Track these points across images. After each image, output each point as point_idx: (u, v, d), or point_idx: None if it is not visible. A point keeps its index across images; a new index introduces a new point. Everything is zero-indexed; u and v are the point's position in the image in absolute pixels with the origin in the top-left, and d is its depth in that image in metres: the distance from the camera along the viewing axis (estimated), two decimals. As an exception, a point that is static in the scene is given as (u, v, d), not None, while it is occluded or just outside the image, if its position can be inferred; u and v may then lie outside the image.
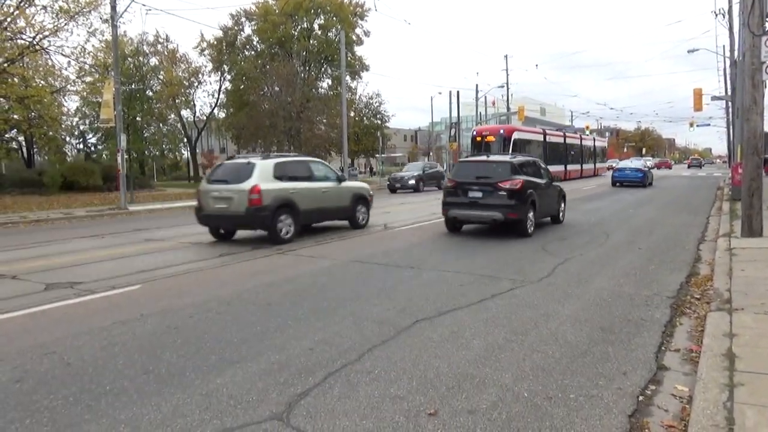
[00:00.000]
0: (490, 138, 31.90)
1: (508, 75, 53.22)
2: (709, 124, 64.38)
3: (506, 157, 12.92)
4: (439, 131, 77.74)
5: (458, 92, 52.82)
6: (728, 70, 30.89)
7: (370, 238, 11.87)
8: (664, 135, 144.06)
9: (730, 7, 25.44)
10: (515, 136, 32.31)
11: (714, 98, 34.99)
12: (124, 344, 4.93)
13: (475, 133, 34.43)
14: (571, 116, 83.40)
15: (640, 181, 29.98)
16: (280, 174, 11.23)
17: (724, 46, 43.86)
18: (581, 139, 45.18)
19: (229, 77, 49.15)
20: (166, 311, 5.99)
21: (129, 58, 41.80)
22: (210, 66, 48.53)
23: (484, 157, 13.78)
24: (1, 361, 4.54)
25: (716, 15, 27.58)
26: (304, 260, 9.22)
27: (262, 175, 10.81)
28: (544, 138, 37.77)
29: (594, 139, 50.39)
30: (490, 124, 49.24)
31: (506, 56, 53.29)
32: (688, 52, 34.87)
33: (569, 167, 40.40)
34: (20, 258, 10.01)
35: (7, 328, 5.59)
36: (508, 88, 53.05)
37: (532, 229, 11.51)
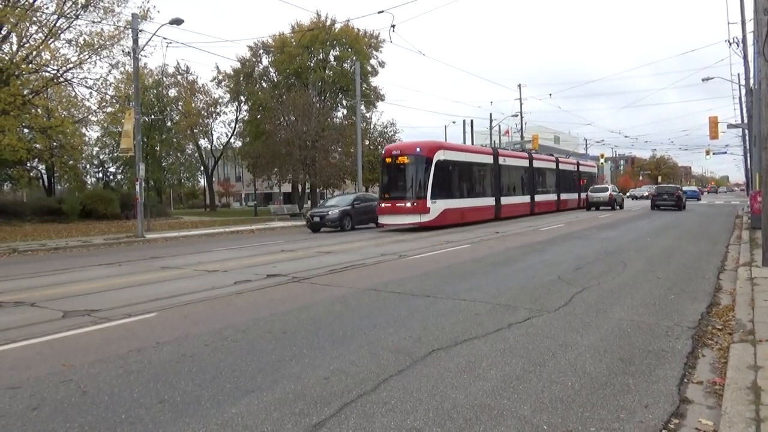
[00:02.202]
0: (403, 159, 23.06)
1: (521, 104, 53.49)
2: (725, 152, 63.99)
3: None
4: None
5: (472, 121, 53.13)
6: (744, 98, 30.79)
7: (384, 267, 11.85)
8: (680, 163, 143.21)
9: (744, 36, 25.46)
10: (439, 156, 23.28)
11: (730, 126, 34.87)
12: (140, 372, 4.94)
13: (384, 153, 25.22)
14: (586, 144, 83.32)
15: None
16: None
17: (738, 74, 43.37)
18: (557, 162, 38.29)
19: (246, 107, 50.06)
20: (181, 339, 6.00)
21: (149, 90, 42.81)
22: (228, 97, 49.48)
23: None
24: (18, 388, 4.56)
25: (730, 44, 27.62)
26: (319, 288, 9.21)
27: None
28: (495, 160, 29.02)
29: (578, 164, 43.32)
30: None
31: (519, 85, 53.54)
32: (703, 80, 34.85)
33: (539, 198, 33.76)
34: (39, 285, 10.12)
35: (26, 355, 5.63)
36: (521, 117, 53.29)
37: None
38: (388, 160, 23.65)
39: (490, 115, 53.67)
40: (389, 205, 22.83)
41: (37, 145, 27.93)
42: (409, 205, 22.26)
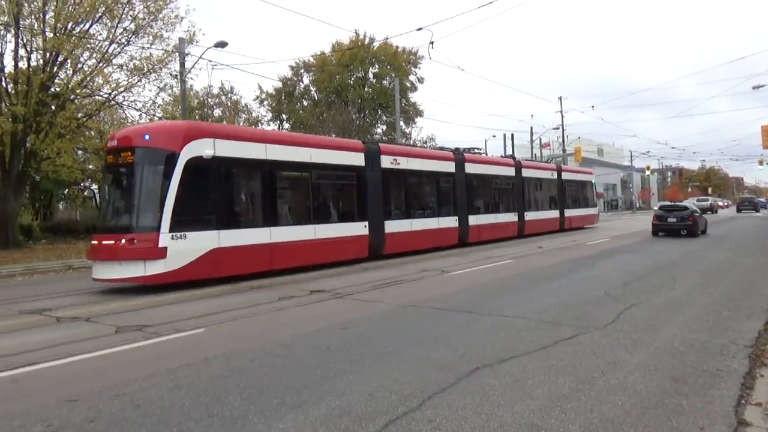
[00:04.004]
0: (126, 156, 12.09)
1: (563, 116, 52.75)
2: (780, 162, 61.29)
3: None
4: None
5: (512, 135, 52.61)
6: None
7: (426, 283, 11.82)
8: (731, 174, 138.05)
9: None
10: (194, 150, 11.99)
11: (785, 135, 33.40)
12: (190, 387, 5.06)
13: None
14: (631, 156, 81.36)
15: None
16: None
17: (792, 81, 41.99)
18: (518, 168, 25.81)
19: (287, 125, 51.02)
20: (229, 354, 6.13)
21: (195, 111, 44.17)
22: (269, 115, 50.60)
23: None
24: (76, 401, 4.73)
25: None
26: (361, 304, 9.26)
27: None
28: (371, 163, 17.14)
29: (558, 170, 30.49)
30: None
31: (560, 98, 52.86)
32: (753, 88, 33.71)
33: (481, 217, 22.31)
34: (94, 301, 10.48)
35: (82, 369, 5.85)
36: (563, 130, 52.52)
37: None
38: (109, 158, 12.59)
39: (531, 128, 53.15)
40: (96, 243, 11.95)
41: (91, 166, 29.10)
42: (122, 243, 11.27)
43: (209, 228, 12.08)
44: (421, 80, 50.37)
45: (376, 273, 13.44)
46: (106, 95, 26.78)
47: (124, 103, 27.64)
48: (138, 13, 24.03)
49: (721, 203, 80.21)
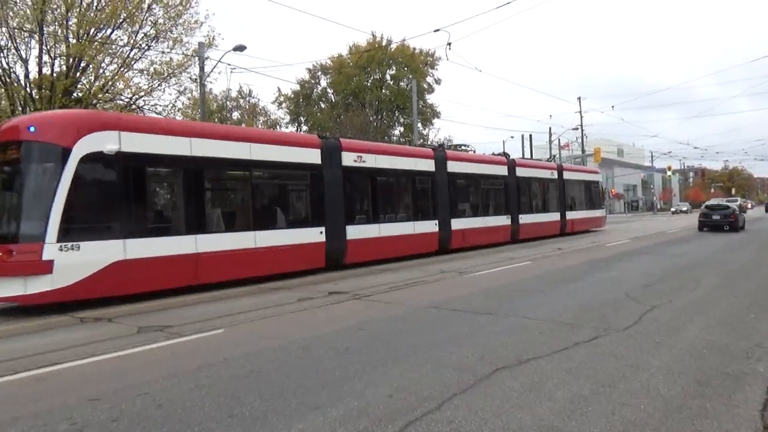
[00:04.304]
0: (12, 152, 10.15)
1: (582, 117, 52.27)
2: (806, 161, 60.05)
3: None
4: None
5: (530, 135, 52.25)
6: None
7: (444, 284, 11.79)
8: (755, 174, 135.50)
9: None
10: (93, 144, 10.12)
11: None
12: (210, 387, 5.10)
13: None
14: (651, 157, 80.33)
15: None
16: None
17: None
18: (512, 167, 23.41)
19: (305, 128, 51.27)
20: (248, 355, 6.17)
21: (215, 114, 44.62)
22: (287, 118, 50.90)
23: None
24: (99, 400, 4.81)
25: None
26: (379, 306, 9.27)
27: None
28: (326, 157, 15.04)
29: (559, 169, 27.88)
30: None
31: (579, 98, 52.39)
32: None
33: (467, 221, 20.23)
34: (116, 302, 10.58)
35: (105, 369, 5.95)
36: (582, 130, 52.04)
37: None
38: None
39: (549, 129, 52.75)
40: None
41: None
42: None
43: (111, 237, 10.19)
44: (438, 81, 50.32)
45: (394, 275, 13.44)
46: (127, 99, 27.19)
47: (145, 107, 28.02)
48: (158, 18, 24.38)
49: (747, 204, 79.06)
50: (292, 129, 52.95)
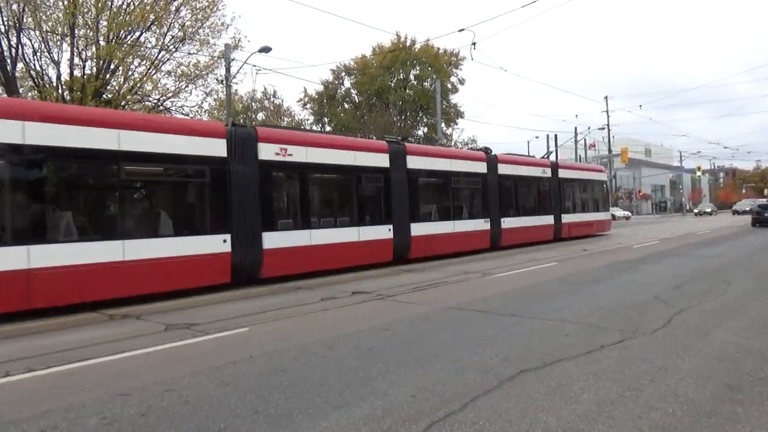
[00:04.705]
0: None
1: (608, 116, 51.57)
2: (843, 161, 58.27)
3: None
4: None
5: (556, 135, 51.64)
6: None
7: (467, 285, 11.73)
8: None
9: None
10: None
11: None
12: (236, 384, 5.17)
13: None
14: (680, 157, 78.81)
15: None
16: None
17: None
18: (492, 164, 20.50)
19: (329, 128, 51.56)
20: (272, 353, 6.23)
21: (240, 114, 45.11)
22: (311, 119, 51.24)
23: None
24: (129, 395, 4.90)
25: None
26: (402, 306, 9.27)
27: None
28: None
29: (553, 167, 24.78)
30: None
31: (606, 97, 51.70)
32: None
33: (431, 226, 17.51)
34: (144, 300, 10.75)
35: (133, 365, 6.06)
36: (609, 130, 51.35)
37: None
38: None
39: (575, 128, 52.08)
40: None
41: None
42: None
43: None
44: (462, 81, 50.19)
45: (417, 275, 13.42)
46: (155, 101, 27.67)
47: (172, 108, 28.49)
48: (186, 21, 24.76)
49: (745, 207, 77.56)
50: (316, 129, 53.31)
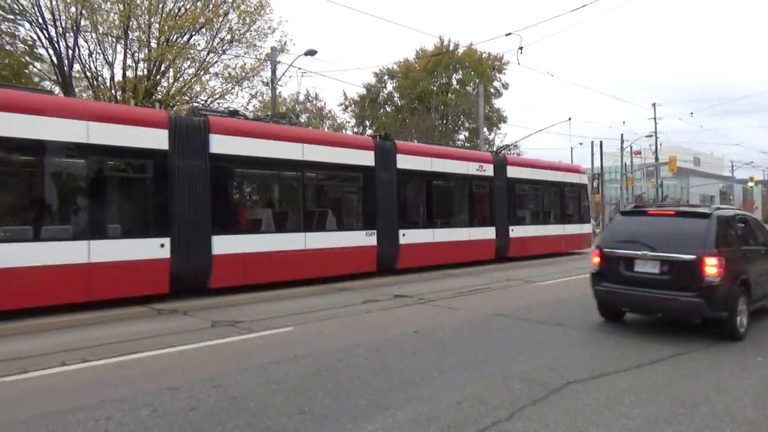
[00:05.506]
0: None
1: (656, 124, 50.10)
2: None
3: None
4: (579, 183, 74.75)
5: (601, 142, 50.53)
6: None
7: (510, 292, 11.58)
8: None
9: None
10: None
11: None
12: (281, 383, 5.22)
13: None
14: (732, 167, 76.02)
15: None
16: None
17: None
18: (385, 154, 14.41)
19: (370, 131, 51.80)
20: (316, 354, 6.28)
21: (284, 116, 45.71)
22: (353, 122, 51.57)
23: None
24: (178, 389, 5.01)
25: None
26: (445, 311, 9.21)
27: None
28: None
29: (500, 163, 18.38)
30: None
31: (654, 104, 50.27)
32: None
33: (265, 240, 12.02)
34: (192, 297, 10.93)
35: (181, 360, 6.20)
36: (656, 138, 49.91)
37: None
38: None
39: (621, 135, 50.81)
40: None
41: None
42: None
43: None
44: (505, 86, 49.61)
45: (459, 280, 13.31)
46: (202, 102, 28.34)
47: (219, 109, 29.14)
48: (234, 24, 25.29)
49: None
50: (357, 132, 53.64)
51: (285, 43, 26.00)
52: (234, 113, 13.17)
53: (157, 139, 10.30)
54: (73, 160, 9.53)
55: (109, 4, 22.99)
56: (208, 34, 25.33)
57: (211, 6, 24.37)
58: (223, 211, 11.24)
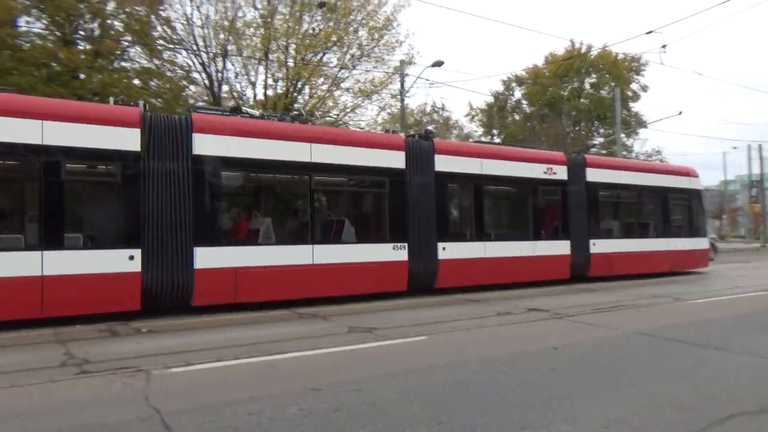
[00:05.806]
0: None
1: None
2: None
3: None
4: (734, 191, 67.76)
5: (759, 146, 45.35)
6: None
7: (657, 310, 10.75)
8: None
9: None
10: None
11: None
12: (417, 391, 5.27)
13: None
14: None
15: None
16: None
17: None
18: (415, 152, 12.69)
19: (498, 140, 51.01)
20: (451, 365, 6.27)
21: (413, 128, 46.53)
22: (480, 131, 51.11)
23: None
24: (321, 390, 5.26)
25: None
26: (582, 327, 8.77)
27: None
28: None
29: (573, 164, 15.58)
30: None
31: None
32: None
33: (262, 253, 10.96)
34: (328, 302, 11.43)
35: (322, 362, 6.51)
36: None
37: None
38: None
39: (784, 137, 45.26)
40: None
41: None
42: None
43: None
44: (644, 88, 46.39)
45: (596, 296, 12.63)
46: (335, 117, 29.70)
47: (350, 122, 30.35)
48: (364, 40, 26.30)
49: None
50: (485, 140, 53.08)
51: (412, 56, 26.54)
52: (235, 110, 12.10)
53: (126, 139, 9.39)
54: (25, 164, 8.90)
55: (252, 29, 24.98)
56: (339, 51, 26.57)
57: (342, 24, 25.54)
58: (207, 220, 10.17)
